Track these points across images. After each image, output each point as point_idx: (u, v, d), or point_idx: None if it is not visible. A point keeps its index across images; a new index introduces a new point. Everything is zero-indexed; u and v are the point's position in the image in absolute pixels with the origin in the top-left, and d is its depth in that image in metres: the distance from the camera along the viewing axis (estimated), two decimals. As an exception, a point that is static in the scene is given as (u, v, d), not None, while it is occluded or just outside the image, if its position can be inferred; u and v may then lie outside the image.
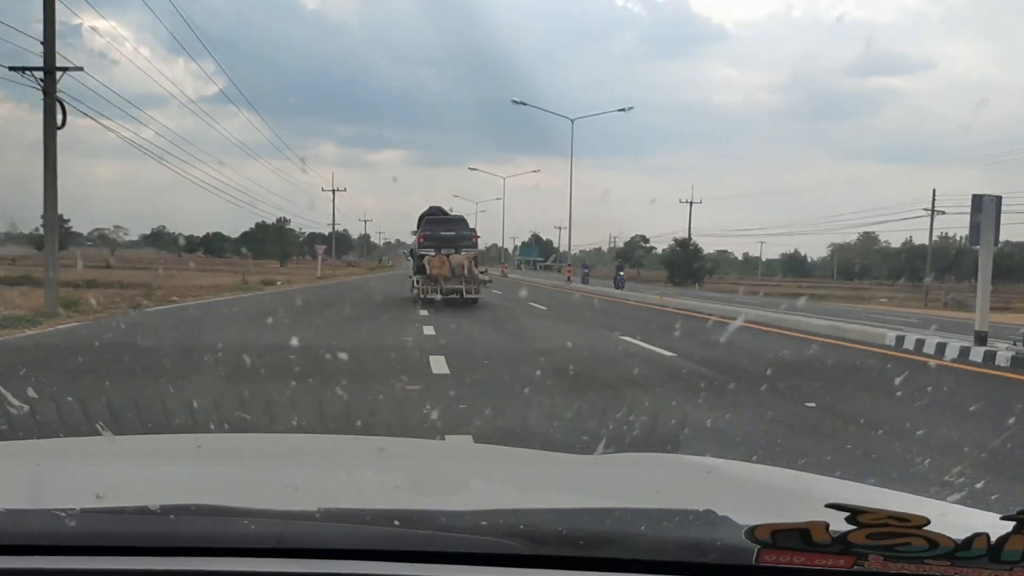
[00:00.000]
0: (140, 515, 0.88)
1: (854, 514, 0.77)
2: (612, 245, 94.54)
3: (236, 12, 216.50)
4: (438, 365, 7.48)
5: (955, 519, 0.91)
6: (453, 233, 19.08)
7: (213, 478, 1.34)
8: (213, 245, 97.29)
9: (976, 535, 0.77)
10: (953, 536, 0.77)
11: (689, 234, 59.46)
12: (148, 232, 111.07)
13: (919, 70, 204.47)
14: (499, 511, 0.93)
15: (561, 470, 1.53)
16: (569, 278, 41.43)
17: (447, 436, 3.94)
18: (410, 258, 20.88)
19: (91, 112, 16.37)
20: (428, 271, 18.08)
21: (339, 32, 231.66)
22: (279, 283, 30.33)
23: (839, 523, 0.78)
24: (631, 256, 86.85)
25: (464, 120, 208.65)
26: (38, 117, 13.63)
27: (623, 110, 40.96)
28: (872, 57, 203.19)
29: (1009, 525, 0.76)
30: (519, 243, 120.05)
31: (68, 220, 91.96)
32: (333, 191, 57.87)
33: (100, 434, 2.15)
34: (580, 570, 0.86)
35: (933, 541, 0.77)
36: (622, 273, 38.51)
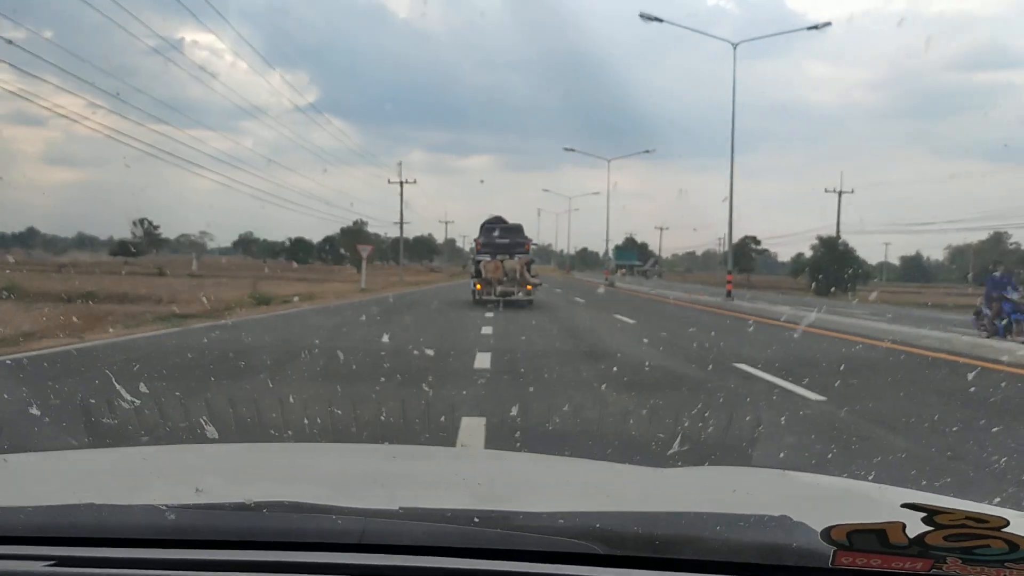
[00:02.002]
0: (237, 511, 0.92)
1: (931, 515, 0.76)
2: (720, 247, 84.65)
3: (328, 23, 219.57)
4: None
5: None
6: (507, 240, 20.37)
7: (304, 476, 1.39)
8: (297, 250, 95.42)
9: None
10: None
11: (838, 231, 46.79)
12: (236, 238, 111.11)
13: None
14: (576, 512, 0.93)
15: (635, 478, 1.53)
16: (730, 292, 24.86)
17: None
18: (472, 263, 21.84)
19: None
20: (484, 274, 19.66)
21: (428, 39, 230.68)
22: (296, 299, 19.70)
23: (916, 525, 0.75)
24: (742, 260, 76.85)
25: (553, 124, 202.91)
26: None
27: (815, 27, 27.91)
28: (978, 51, 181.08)
29: None
30: (611, 246, 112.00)
31: (158, 226, 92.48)
32: (401, 183, 48.32)
33: (205, 429, 2.35)
34: (655, 570, 0.86)
35: (1013, 544, 0.74)
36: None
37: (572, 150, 43.91)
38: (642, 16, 27.46)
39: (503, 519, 0.89)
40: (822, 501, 1.26)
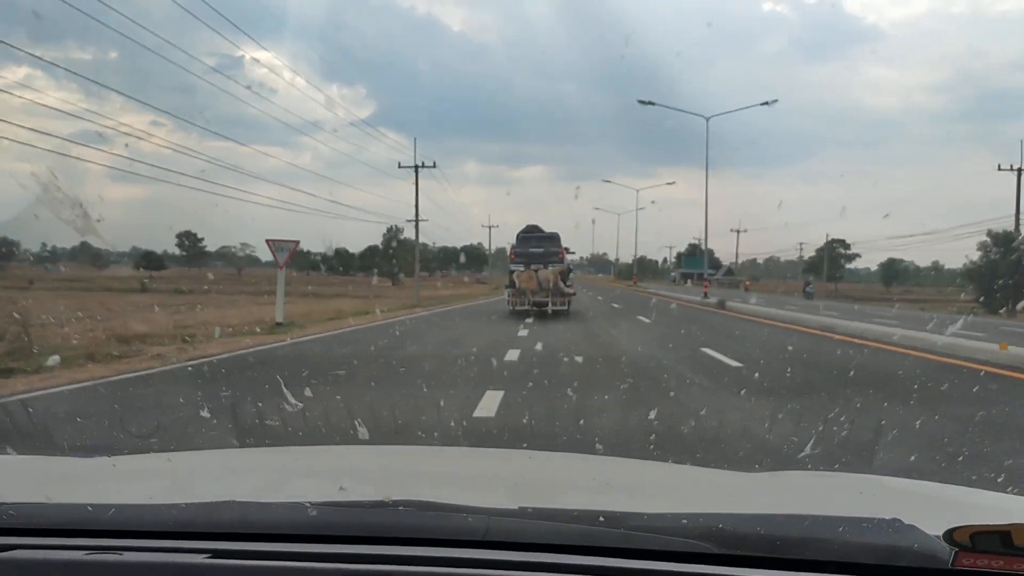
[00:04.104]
0: (375, 508, 0.99)
1: None
2: (800, 255, 75.52)
3: (384, 37, 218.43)
4: None
5: None
6: (541, 250, 20.55)
7: (433, 477, 1.51)
8: (337, 262, 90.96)
9: None
10: None
11: (1017, 224, 34.44)
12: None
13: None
14: (699, 514, 0.95)
15: (753, 482, 1.57)
16: None
17: None
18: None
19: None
20: (517, 284, 19.80)
21: (481, 51, 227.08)
22: (50, 363, 8.67)
23: None
24: (828, 267, 67.86)
25: (605, 133, 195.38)
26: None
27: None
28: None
29: None
30: (675, 253, 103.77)
31: (202, 239, 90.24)
32: (416, 167, 34.97)
33: (358, 430, 3.01)
34: (770, 569, 0.87)
35: None
36: None
37: (651, 103, 32.56)
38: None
39: (627, 519, 0.93)
40: (940, 508, 1.25)
